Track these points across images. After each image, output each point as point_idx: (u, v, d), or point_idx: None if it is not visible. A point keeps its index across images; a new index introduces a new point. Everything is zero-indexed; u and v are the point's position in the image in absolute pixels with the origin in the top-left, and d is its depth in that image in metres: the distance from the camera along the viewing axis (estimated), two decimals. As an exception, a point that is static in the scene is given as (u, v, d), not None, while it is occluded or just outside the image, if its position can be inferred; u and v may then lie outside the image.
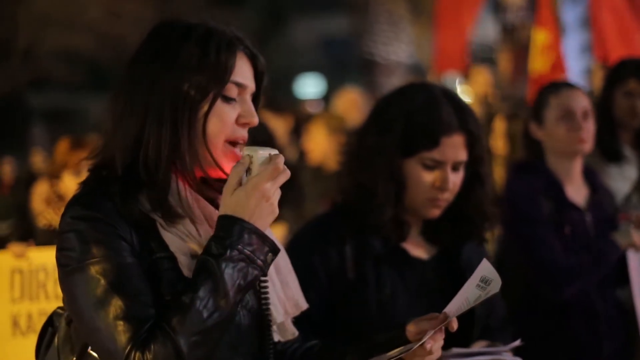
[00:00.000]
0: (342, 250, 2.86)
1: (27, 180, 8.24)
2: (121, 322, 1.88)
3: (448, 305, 2.13)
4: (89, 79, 19.90)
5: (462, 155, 2.85)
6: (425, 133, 2.82)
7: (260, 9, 26.13)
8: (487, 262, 2.09)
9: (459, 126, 2.83)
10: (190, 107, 2.03)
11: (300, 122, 8.34)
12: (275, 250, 2.00)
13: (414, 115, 2.85)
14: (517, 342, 2.61)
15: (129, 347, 1.86)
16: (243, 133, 2.10)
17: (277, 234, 4.15)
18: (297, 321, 2.33)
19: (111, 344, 1.88)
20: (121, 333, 1.87)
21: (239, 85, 2.08)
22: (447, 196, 2.86)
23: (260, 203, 1.96)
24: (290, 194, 4.39)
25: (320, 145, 6.76)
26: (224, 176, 2.06)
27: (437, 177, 2.83)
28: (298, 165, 4.79)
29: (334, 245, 2.87)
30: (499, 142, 6.88)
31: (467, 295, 2.10)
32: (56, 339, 2.07)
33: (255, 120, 2.11)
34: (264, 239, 1.97)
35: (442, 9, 11.37)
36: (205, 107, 2.03)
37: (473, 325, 2.84)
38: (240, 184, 1.98)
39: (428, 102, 2.86)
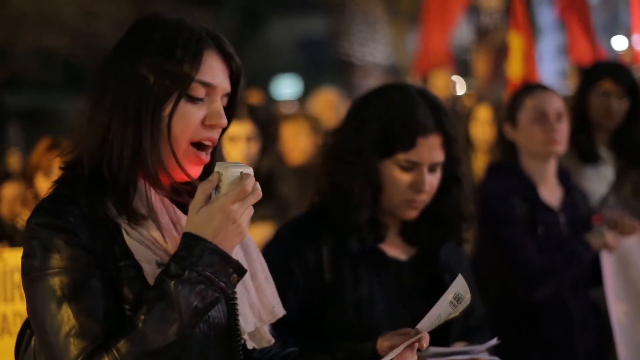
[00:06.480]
0: (319, 251, 2.85)
1: (1, 180, 8.17)
2: (72, 340, 1.86)
3: (421, 321, 2.10)
4: (64, 78, 19.75)
5: (439, 156, 2.84)
6: (402, 134, 2.81)
7: (236, 10, 26.06)
8: (462, 278, 2.06)
9: (436, 127, 2.82)
10: (154, 106, 1.97)
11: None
12: (240, 271, 1.95)
13: (390, 116, 2.83)
14: (494, 341, 2.61)
15: None
16: (210, 134, 2.03)
17: (264, 233, 4.14)
18: (276, 325, 2.30)
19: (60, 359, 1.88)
20: (71, 351, 1.86)
21: (207, 85, 2.01)
22: (424, 197, 2.85)
23: (225, 224, 1.90)
24: (275, 196, 4.37)
25: (300, 145, 6.74)
26: (187, 179, 2.02)
27: (414, 178, 2.82)
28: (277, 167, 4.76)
29: (311, 247, 2.86)
30: (485, 128, 6.79)
31: (440, 312, 2.07)
32: (33, 341, 2.05)
33: (222, 122, 2.04)
34: (228, 260, 1.91)
35: (428, 10, 11.41)
36: (170, 107, 1.98)
37: (451, 326, 2.82)
38: (207, 201, 1.93)
39: (404, 103, 2.84)
